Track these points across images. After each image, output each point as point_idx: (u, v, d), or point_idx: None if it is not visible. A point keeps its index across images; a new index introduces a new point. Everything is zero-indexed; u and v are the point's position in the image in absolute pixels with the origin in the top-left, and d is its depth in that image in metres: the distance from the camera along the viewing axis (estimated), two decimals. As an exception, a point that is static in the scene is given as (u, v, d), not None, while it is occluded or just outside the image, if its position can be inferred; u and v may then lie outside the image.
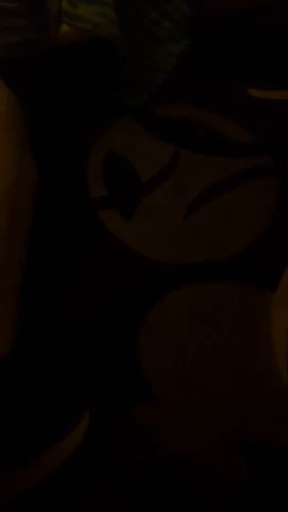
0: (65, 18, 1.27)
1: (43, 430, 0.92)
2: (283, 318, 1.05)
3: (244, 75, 1.44)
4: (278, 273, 1.11)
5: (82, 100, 1.34)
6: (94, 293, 1.09)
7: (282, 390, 0.97)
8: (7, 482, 0.86)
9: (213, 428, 0.93)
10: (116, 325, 1.04)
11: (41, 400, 0.95)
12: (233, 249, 1.15)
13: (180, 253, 1.15)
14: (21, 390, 0.95)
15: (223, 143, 1.33)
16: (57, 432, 0.91)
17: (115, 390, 0.97)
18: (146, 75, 1.41)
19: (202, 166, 1.29)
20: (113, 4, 1.29)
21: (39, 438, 0.91)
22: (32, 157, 1.12)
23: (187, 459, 0.89)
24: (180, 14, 1.43)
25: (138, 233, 1.19)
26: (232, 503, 0.86)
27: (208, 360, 1.00)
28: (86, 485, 0.87)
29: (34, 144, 1.13)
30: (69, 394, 0.95)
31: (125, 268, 1.13)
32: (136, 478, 0.88)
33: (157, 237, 1.18)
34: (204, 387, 0.97)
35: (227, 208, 1.23)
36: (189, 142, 1.32)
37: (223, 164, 1.29)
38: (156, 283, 1.11)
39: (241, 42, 1.47)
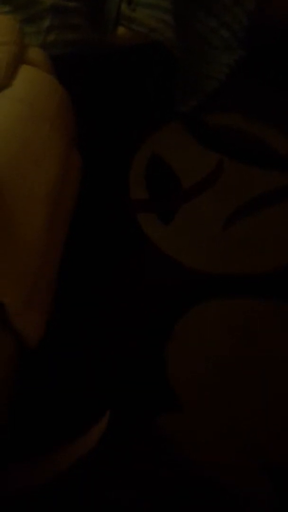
0: (123, 21, 1.29)
1: (64, 423, 0.91)
2: None
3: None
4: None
5: (133, 101, 1.34)
6: (126, 295, 1.08)
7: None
8: (25, 472, 0.86)
9: (238, 445, 0.90)
10: (146, 330, 1.03)
11: (63, 394, 0.94)
12: (269, 265, 1.13)
13: (215, 263, 1.14)
14: (46, 383, 0.95)
15: (270, 155, 1.31)
16: (77, 426, 0.90)
17: (140, 396, 0.95)
18: (198, 81, 1.41)
19: (246, 177, 1.27)
20: (172, 10, 1.30)
21: (59, 430, 0.90)
22: (78, 153, 1.12)
23: (209, 474, 0.86)
24: (238, 24, 1.42)
25: (174, 239, 1.18)
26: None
27: (237, 373, 0.98)
28: (102, 487, 0.86)
29: (81, 142, 1.13)
30: (92, 392, 0.95)
31: (158, 273, 1.12)
32: (155, 486, 0.86)
33: (194, 245, 1.17)
34: (232, 401, 0.95)
35: (267, 222, 1.21)
36: (235, 152, 1.31)
37: (268, 177, 1.27)
38: (189, 291, 1.10)
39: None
